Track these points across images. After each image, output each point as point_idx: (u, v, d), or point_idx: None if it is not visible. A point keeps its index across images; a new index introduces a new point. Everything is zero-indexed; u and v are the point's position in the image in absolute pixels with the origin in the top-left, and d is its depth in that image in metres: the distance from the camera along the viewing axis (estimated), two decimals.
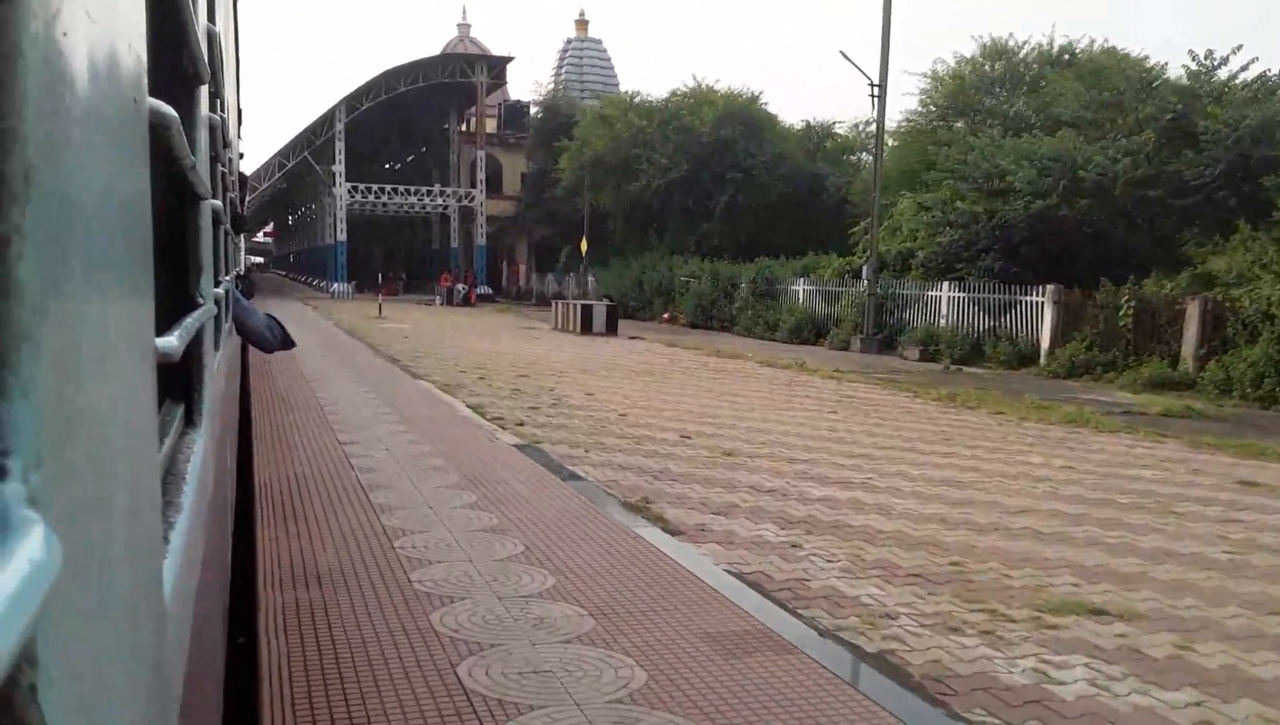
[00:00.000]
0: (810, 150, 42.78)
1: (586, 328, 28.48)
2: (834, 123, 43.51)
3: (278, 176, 54.30)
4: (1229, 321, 17.15)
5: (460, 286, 48.37)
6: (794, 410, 13.56)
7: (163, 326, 1.29)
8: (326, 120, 53.56)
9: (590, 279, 47.72)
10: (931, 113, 36.95)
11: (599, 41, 72.99)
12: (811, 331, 28.94)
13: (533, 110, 67.72)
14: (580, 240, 46.30)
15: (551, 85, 69.44)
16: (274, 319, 6.32)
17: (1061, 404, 14.82)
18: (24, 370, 0.48)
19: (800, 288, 30.38)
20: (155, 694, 0.90)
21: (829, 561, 6.43)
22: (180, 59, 1.95)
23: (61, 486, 0.53)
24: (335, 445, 9.56)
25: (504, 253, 61.78)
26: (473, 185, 57.55)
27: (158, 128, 1.25)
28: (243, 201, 9.57)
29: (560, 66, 71.88)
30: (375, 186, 56.70)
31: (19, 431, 0.47)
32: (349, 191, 54.12)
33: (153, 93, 1.07)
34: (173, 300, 1.95)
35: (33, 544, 0.44)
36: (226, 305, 4.00)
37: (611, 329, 28.75)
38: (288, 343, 6.44)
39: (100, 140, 0.69)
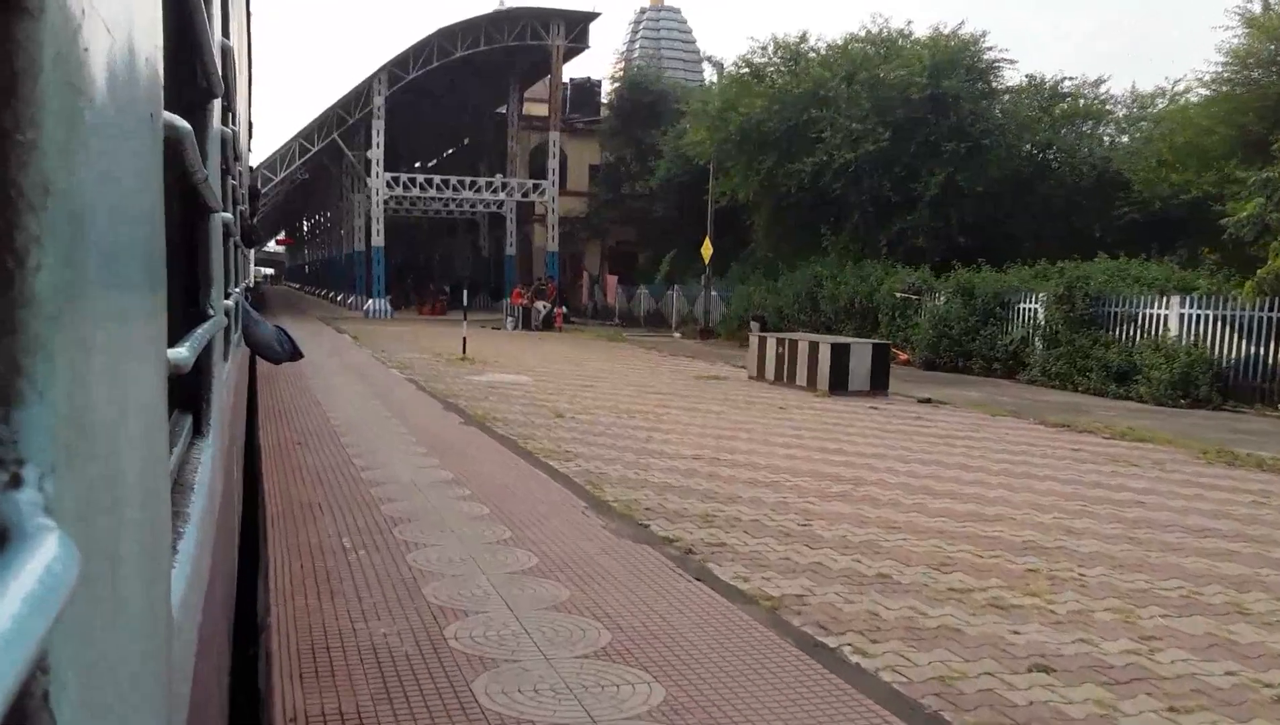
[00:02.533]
0: (1031, 118, 30.70)
1: (839, 384, 16.56)
2: (1062, 79, 31.47)
3: (298, 165, 42.47)
4: None
5: (542, 305, 36.45)
6: None
7: (173, 337, 1.26)
8: (362, 95, 41.80)
9: (713, 293, 35.89)
10: (1252, 65, 24.92)
11: (677, 11, 61.27)
12: (1213, 386, 17.05)
13: (605, 90, 56.17)
14: (702, 242, 34.49)
15: (623, 63, 57.86)
16: (283, 331, 6.57)
17: None
18: (39, 378, 0.48)
19: (1173, 312, 18.38)
20: (163, 702, 0.89)
21: None
22: (194, 73, 2.02)
23: (75, 494, 0.53)
24: None
25: (579, 261, 49.97)
26: (537, 177, 45.71)
27: (172, 141, 1.27)
28: (253, 213, 8.73)
29: (633, 40, 60.22)
30: (421, 178, 44.75)
31: (34, 439, 0.47)
32: (388, 184, 42.31)
33: (167, 106, 1.06)
34: (183, 311, 1.97)
35: (49, 552, 0.44)
36: (235, 317, 4.21)
37: (879, 385, 16.84)
38: (296, 354, 6.62)
39: (117, 153, 0.69)
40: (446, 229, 65.21)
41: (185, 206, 2.01)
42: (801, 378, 17.30)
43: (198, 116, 2.02)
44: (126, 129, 0.74)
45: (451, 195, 44.82)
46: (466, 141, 60.91)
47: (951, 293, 23.31)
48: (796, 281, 29.36)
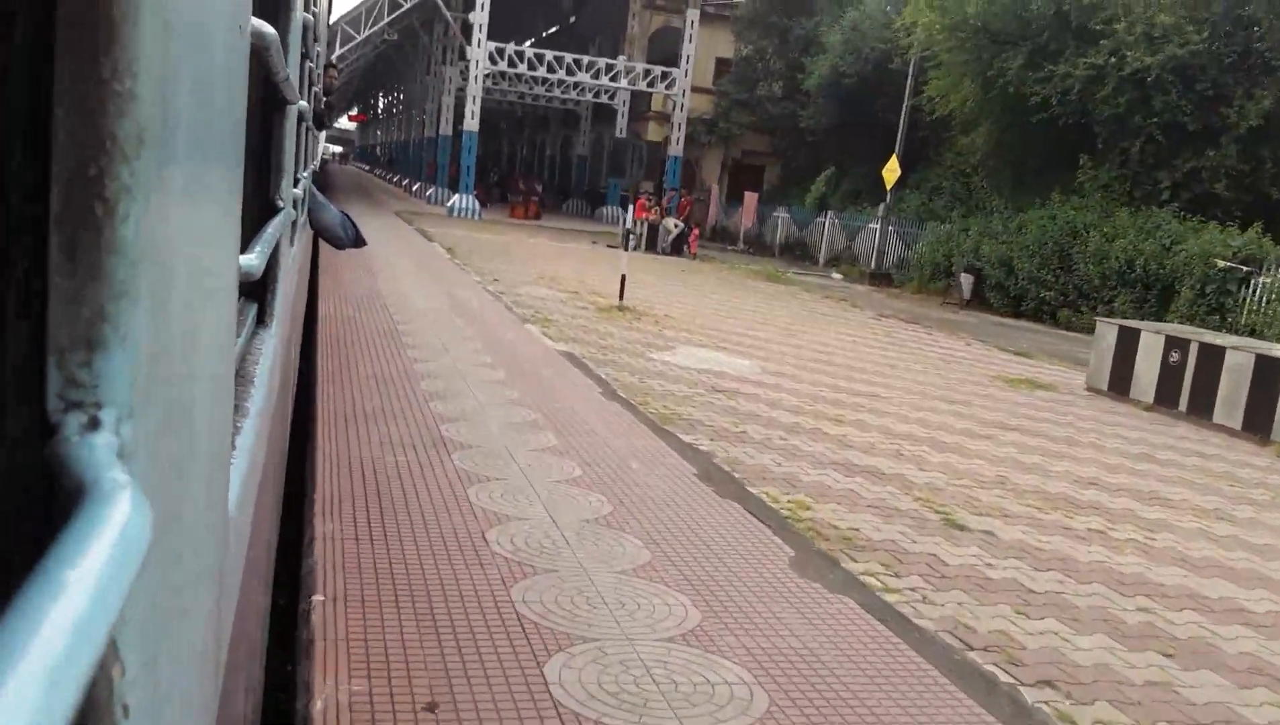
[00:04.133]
0: None
1: None
2: None
3: (385, 22, 35.13)
4: None
5: (674, 223, 29.28)
6: None
7: (243, 233, 1.25)
8: None
9: (889, 228, 28.49)
10: None
11: None
12: None
13: None
14: (886, 161, 27.02)
15: None
16: (348, 216, 6.29)
17: None
18: (122, 323, 0.49)
19: None
20: (215, 600, 0.90)
21: None
22: None
23: (149, 433, 0.54)
24: None
25: (694, 170, 42.45)
26: (660, 63, 37.99)
27: (258, 48, 1.24)
28: (328, 92, 8.75)
29: None
30: (530, 53, 37.23)
31: (114, 383, 0.48)
32: (491, 57, 34.94)
33: None
34: (253, 204, 1.90)
35: (123, 512, 0.43)
36: (303, 203, 4.02)
37: None
38: (359, 241, 6.46)
39: (204, 68, 0.67)
40: (538, 120, 57.70)
41: (263, 102, 1.92)
42: (1228, 413, 10.16)
43: (280, 6, 1.93)
44: (216, 40, 0.71)
45: (563, 76, 37.28)
46: (573, 20, 52.96)
47: None
48: (1035, 226, 21.89)
